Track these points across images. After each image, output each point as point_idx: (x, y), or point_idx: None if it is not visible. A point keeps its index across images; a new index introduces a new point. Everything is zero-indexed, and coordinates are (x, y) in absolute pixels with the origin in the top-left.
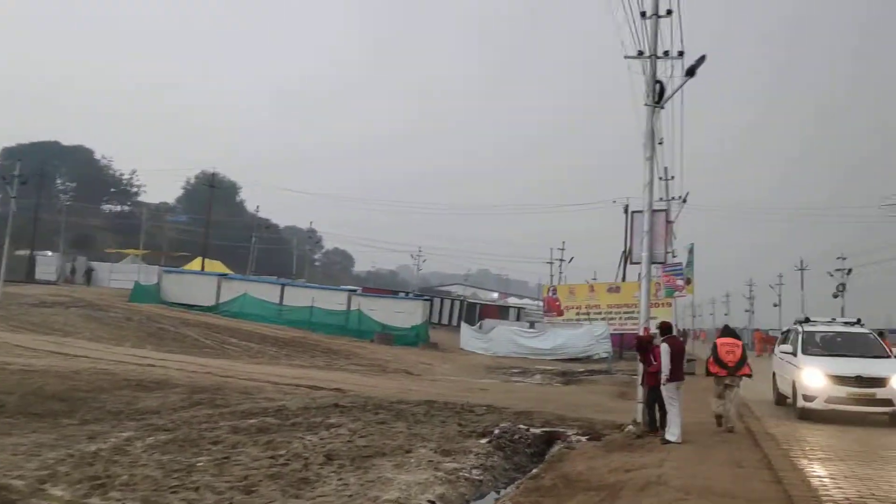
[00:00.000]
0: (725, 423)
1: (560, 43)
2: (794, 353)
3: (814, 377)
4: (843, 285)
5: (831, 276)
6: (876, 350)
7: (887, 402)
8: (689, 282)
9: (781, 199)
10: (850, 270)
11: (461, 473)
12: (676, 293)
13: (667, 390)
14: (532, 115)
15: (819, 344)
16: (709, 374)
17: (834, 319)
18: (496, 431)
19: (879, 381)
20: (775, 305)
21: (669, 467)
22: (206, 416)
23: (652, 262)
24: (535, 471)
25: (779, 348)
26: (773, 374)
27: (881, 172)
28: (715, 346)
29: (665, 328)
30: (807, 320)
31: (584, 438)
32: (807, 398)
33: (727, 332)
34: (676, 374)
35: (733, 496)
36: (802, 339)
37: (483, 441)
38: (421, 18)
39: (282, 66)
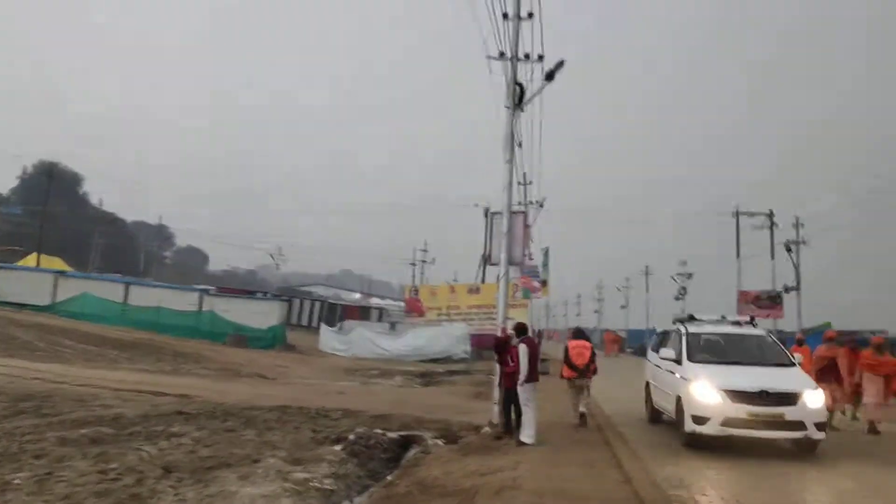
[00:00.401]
0: (581, 415)
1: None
2: (679, 361)
3: (706, 392)
4: (685, 288)
5: (674, 280)
6: (776, 356)
7: (798, 426)
8: (544, 284)
9: (632, 206)
10: (690, 275)
11: (311, 483)
12: (533, 294)
13: (523, 391)
14: (399, 114)
15: (707, 349)
16: (562, 377)
17: (724, 318)
18: (351, 437)
19: (788, 398)
20: (622, 307)
21: (524, 470)
22: (30, 427)
23: (510, 263)
24: (389, 478)
25: (654, 353)
26: (647, 384)
27: (718, 182)
28: (567, 350)
29: (521, 329)
30: (691, 318)
31: (440, 442)
32: (698, 419)
33: (578, 334)
34: (533, 375)
35: (586, 498)
36: (687, 342)
37: (337, 447)
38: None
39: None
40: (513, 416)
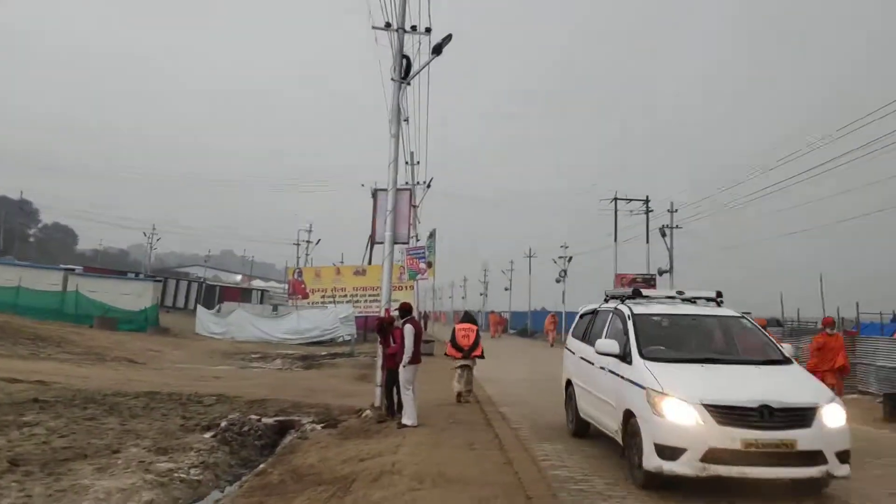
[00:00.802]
0: (464, 398)
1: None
2: (625, 357)
3: (679, 410)
4: (565, 272)
5: (555, 262)
6: (764, 349)
7: (814, 458)
8: (430, 265)
9: (519, 189)
10: (571, 258)
11: (176, 474)
12: (419, 276)
13: (405, 373)
14: (283, 90)
15: (666, 338)
16: (448, 355)
17: (679, 294)
18: (223, 424)
19: (801, 416)
20: (506, 289)
21: (404, 454)
22: None
23: (396, 242)
24: (262, 466)
25: (581, 343)
26: (569, 384)
27: (601, 169)
28: (454, 332)
29: (405, 310)
30: (636, 295)
31: (319, 426)
32: (665, 452)
33: (466, 317)
34: (416, 357)
35: (466, 481)
36: (636, 329)
37: (207, 435)
38: None
39: None
40: (395, 398)
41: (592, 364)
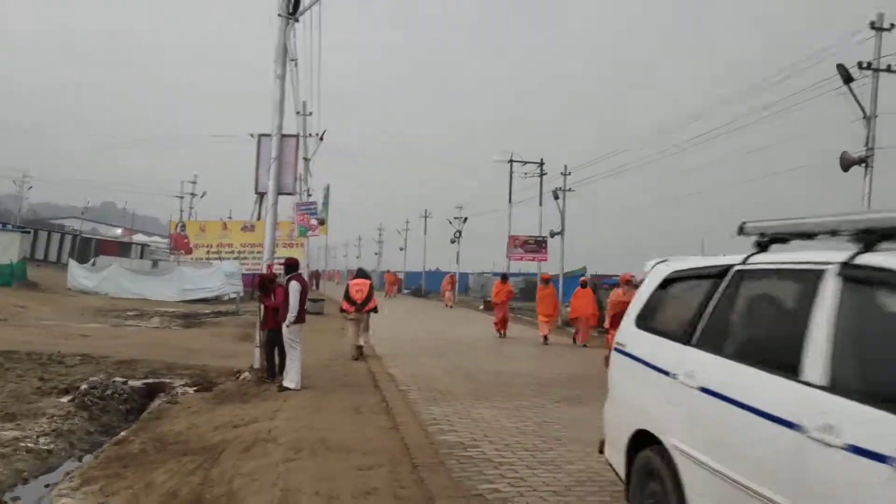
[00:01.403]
0: (359, 352)
1: None
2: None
3: None
4: (460, 232)
5: (450, 223)
6: None
7: None
8: (323, 223)
9: (415, 149)
10: (466, 219)
11: (23, 444)
12: (310, 233)
13: (289, 333)
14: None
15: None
16: (342, 311)
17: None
18: (83, 387)
19: None
20: (401, 249)
21: (283, 419)
22: None
23: (280, 192)
24: (123, 433)
25: (673, 346)
26: (643, 440)
27: (500, 132)
28: (348, 287)
29: (291, 265)
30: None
31: (192, 390)
32: None
33: (360, 274)
34: (301, 316)
35: (349, 449)
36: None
37: (64, 399)
38: None
39: None
40: (276, 359)
41: (714, 396)
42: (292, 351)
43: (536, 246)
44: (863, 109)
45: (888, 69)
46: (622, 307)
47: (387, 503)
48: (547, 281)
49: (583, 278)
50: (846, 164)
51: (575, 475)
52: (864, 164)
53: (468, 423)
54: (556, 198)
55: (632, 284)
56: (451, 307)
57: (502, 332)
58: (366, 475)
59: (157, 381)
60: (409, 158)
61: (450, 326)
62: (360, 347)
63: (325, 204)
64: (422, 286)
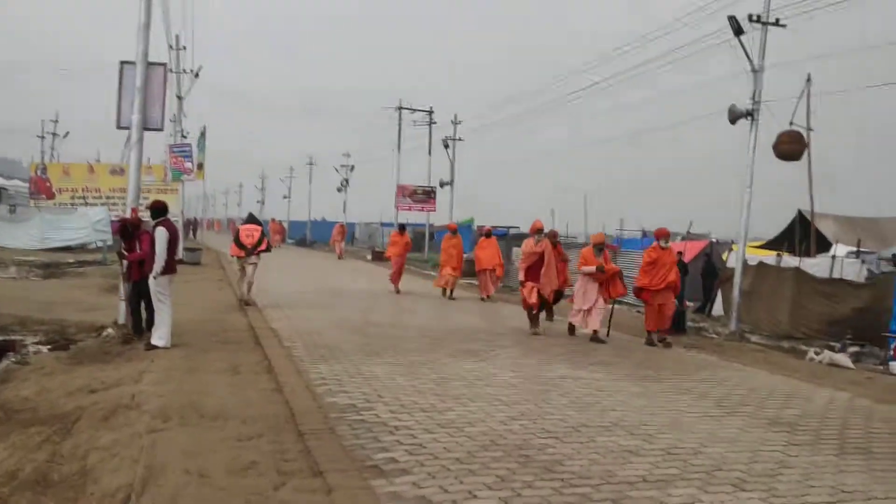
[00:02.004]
0: (247, 297)
1: None
2: None
3: None
4: (347, 181)
5: (337, 171)
6: None
7: None
8: (200, 167)
9: (302, 91)
10: (353, 167)
11: None
12: (185, 177)
13: (157, 285)
14: None
15: None
16: (232, 256)
17: None
18: None
19: None
20: (285, 197)
21: (150, 382)
22: None
23: (146, 128)
24: None
25: None
26: None
27: (390, 78)
28: (238, 232)
29: (158, 209)
30: None
31: (46, 348)
32: None
33: (250, 219)
34: (170, 266)
35: (225, 416)
36: None
37: None
38: None
39: None
40: (144, 314)
41: None
42: (161, 305)
43: (425, 196)
44: (751, 62)
45: (776, 23)
46: (534, 258)
47: (268, 480)
48: (455, 230)
49: (487, 227)
50: (733, 116)
51: (478, 438)
52: (749, 118)
53: (360, 383)
54: (446, 147)
55: (542, 233)
56: (341, 258)
57: (397, 286)
58: (244, 447)
59: (5, 338)
60: (296, 100)
61: (339, 278)
62: (247, 294)
63: (202, 147)
64: (307, 236)
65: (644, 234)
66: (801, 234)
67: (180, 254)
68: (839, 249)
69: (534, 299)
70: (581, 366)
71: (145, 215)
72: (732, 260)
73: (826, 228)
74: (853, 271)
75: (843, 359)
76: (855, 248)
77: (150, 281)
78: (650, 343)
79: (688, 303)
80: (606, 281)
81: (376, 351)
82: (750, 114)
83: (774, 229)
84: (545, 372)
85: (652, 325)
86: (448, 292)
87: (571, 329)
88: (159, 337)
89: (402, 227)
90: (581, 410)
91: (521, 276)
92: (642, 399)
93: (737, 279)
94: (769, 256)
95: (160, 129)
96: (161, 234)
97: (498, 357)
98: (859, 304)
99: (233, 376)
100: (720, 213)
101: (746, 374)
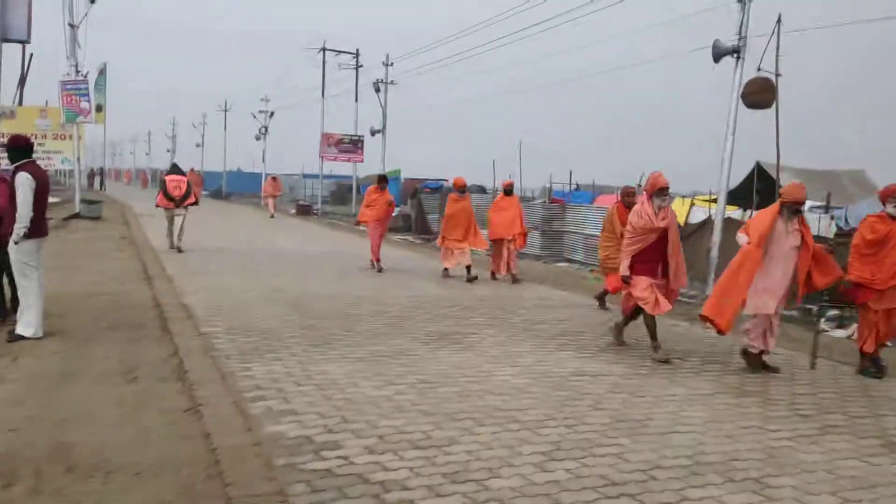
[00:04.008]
0: (176, 246)
1: None
2: None
3: None
4: (266, 128)
5: (255, 117)
6: None
7: None
8: (99, 109)
9: (216, 27)
10: (272, 114)
11: None
12: (80, 118)
13: (20, 252)
14: None
15: None
16: (158, 206)
17: None
18: None
19: None
20: (198, 146)
21: (11, 392)
22: None
23: (5, 39)
24: None
25: None
26: None
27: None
28: (164, 182)
29: (20, 147)
30: None
31: None
32: None
33: (174, 169)
34: (40, 227)
35: (106, 468)
36: None
37: None
38: None
39: None
40: (7, 292)
41: None
42: (26, 282)
43: (352, 146)
44: None
45: None
46: (650, 238)
47: None
48: (463, 188)
49: (507, 181)
50: (717, 53)
51: None
52: (735, 55)
53: (312, 394)
54: (377, 91)
55: (666, 193)
56: (273, 217)
57: (378, 260)
58: None
59: None
60: (209, 37)
61: (267, 237)
62: (178, 248)
63: (102, 87)
64: (222, 188)
65: (595, 188)
66: (760, 188)
67: (77, 207)
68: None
69: (651, 300)
70: (587, 350)
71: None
72: (695, 216)
73: (785, 181)
74: (821, 227)
75: None
76: (819, 203)
77: (11, 248)
78: (867, 372)
79: None
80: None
81: (325, 337)
82: (736, 51)
83: (713, 182)
84: (552, 365)
85: (872, 345)
86: (467, 271)
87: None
88: (26, 324)
89: (381, 180)
90: (634, 434)
91: (624, 266)
92: (688, 405)
93: (716, 237)
94: (734, 211)
95: (26, 41)
96: (25, 183)
97: (483, 342)
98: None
99: (127, 386)
100: (677, 164)
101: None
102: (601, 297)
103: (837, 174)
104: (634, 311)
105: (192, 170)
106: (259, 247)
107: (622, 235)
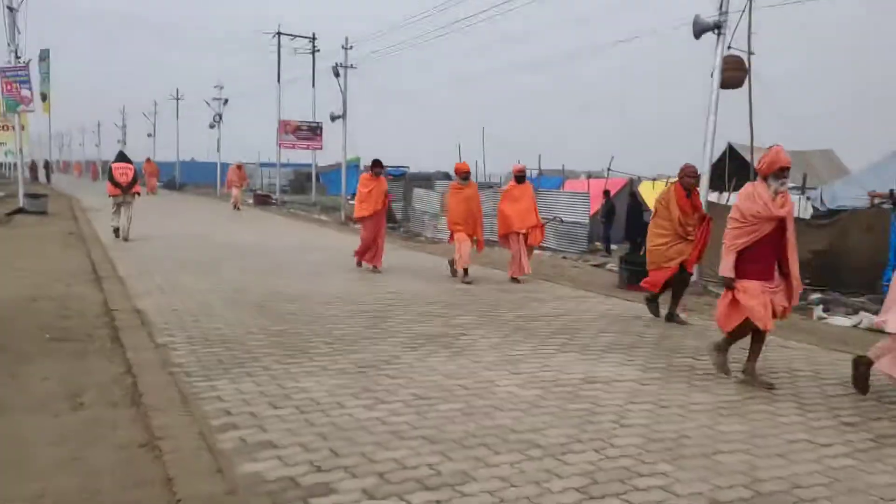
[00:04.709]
0: (122, 235)
1: None
2: None
3: None
4: (220, 116)
5: (209, 104)
6: None
7: None
8: (44, 98)
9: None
10: (226, 101)
11: None
12: (22, 107)
13: None
14: None
15: None
16: (110, 196)
17: None
18: None
19: None
20: (149, 135)
21: None
22: None
23: None
24: None
25: None
26: None
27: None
28: (111, 170)
29: None
30: None
31: None
32: None
33: (121, 157)
34: None
35: None
36: None
37: None
38: None
39: None
40: None
41: None
42: None
43: (310, 132)
44: None
45: None
46: (765, 229)
47: None
48: (467, 175)
49: (518, 166)
50: (698, 29)
51: None
52: (716, 31)
53: (291, 419)
54: (337, 75)
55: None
56: (238, 209)
57: (377, 263)
58: None
59: None
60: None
61: (229, 229)
62: (124, 237)
63: (46, 74)
64: (175, 178)
65: (565, 173)
66: (733, 169)
67: (21, 201)
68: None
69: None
70: (591, 350)
71: None
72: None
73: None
74: (799, 208)
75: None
76: (794, 185)
77: None
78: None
79: (614, 246)
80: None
81: (299, 345)
82: (717, 26)
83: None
84: (557, 370)
85: None
86: (460, 270)
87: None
88: None
89: (376, 165)
90: (674, 458)
91: (728, 266)
92: (721, 417)
93: None
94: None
95: None
96: None
97: (476, 345)
98: (818, 245)
99: (70, 414)
100: (634, 147)
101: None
102: (653, 300)
103: (808, 154)
104: (744, 327)
105: (147, 160)
106: (218, 240)
107: (681, 223)
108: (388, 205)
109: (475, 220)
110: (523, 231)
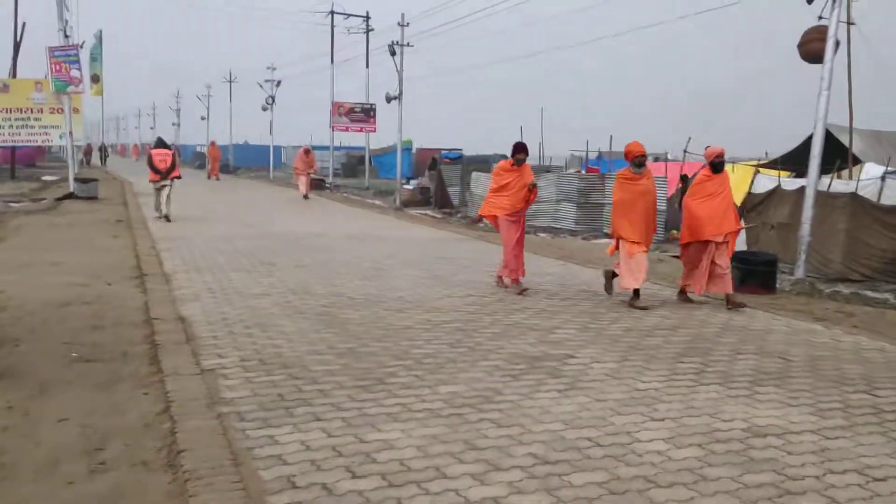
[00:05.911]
0: (164, 216)
1: None
2: None
3: None
4: (273, 98)
5: (261, 87)
6: None
7: None
8: (96, 79)
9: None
10: (279, 83)
11: None
12: (73, 89)
13: None
14: None
15: None
16: (151, 181)
17: None
18: None
19: None
20: (203, 118)
21: None
22: None
23: None
24: None
25: None
26: None
27: None
28: (150, 157)
29: None
30: None
31: None
32: None
33: (160, 143)
34: None
35: None
36: None
37: None
38: None
39: None
40: None
41: None
42: None
43: (364, 114)
44: None
45: None
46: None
47: None
48: (643, 160)
49: (715, 148)
50: None
51: None
52: None
53: (376, 497)
54: (393, 54)
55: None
56: (307, 198)
57: (517, 276)
58: None
59: None
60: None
61: (285, 217)
62: (166, 216)
63: (97, 55)
64: (230, 162)
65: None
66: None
67: (71, 186)
68: (872, 169)
69: None
70: (737, 381)
71: None
72: (761, 184)
73: (856, 145)
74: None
75: None
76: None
77: None
78: None
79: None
80: None
81: (375, 372)
82: None
83: (776, 148)
84: (707, 414)
85: None
86: (622, 289)
87: None
88: None
89: (519, 150)
90: None
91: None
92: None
93: (807, 212)
94: (787, 178)
95: None
96: None
97: (590, 372)
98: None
99: (86, 482)
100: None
101: None
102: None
103: None
104: None
105: (213, 143)
106: (273, 230)
107: None
108: (531, 201)
109: (652, 224)
110: (719, 239)
